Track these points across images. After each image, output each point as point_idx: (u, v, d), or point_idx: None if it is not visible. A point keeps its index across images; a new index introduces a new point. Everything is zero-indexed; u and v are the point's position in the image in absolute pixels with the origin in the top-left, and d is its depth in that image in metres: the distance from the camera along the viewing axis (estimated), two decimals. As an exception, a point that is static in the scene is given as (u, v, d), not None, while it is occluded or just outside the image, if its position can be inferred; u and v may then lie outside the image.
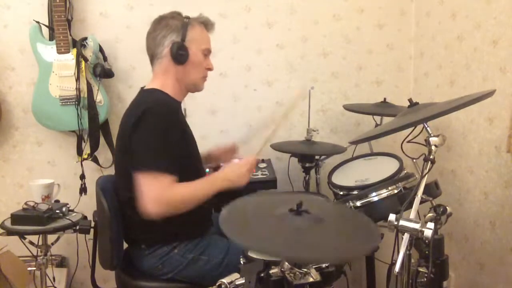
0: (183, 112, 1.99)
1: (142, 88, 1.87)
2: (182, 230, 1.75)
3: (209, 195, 1.70)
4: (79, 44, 2.34)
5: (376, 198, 1.73)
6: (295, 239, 1.16)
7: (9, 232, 1.97)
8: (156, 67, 1.83)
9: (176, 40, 1.77)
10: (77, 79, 2.34)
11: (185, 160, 1.74)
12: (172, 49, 1.76)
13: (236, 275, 1.29)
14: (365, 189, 1.78)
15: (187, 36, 1.77)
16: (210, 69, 1.87)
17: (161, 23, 1.80)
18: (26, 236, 2.00)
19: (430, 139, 1.34)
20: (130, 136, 1.67)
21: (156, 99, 1.75)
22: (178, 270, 1.74)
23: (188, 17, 1.82)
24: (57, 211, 2.04)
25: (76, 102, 2.35)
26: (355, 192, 1.82)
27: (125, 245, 1.88)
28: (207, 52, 1.85)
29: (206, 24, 1.86)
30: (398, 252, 1.25)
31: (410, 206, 1.31)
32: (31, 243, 2.03)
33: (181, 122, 1.80)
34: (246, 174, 1.78)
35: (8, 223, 1.99)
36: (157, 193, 1.61)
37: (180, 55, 1.76)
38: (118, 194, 1.83)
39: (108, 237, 1.76)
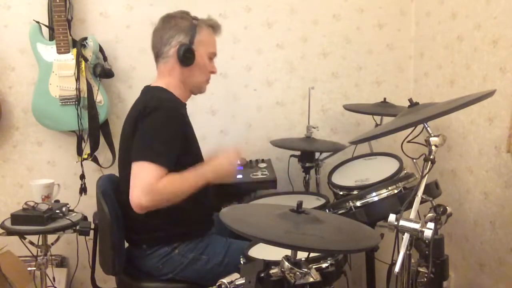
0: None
1: (146, 86, 1.87)
2: (184, 230, 1.75)
3: (197, 187, 1.66)
4: (79, 44, 2.34)
5: (376, 198, 1.73)
6: (296, 231, 1.17)
7: (9, 232, 1.97)
8: (161, 65, 1.82)
9: (183, 41, 1.76)
10: (77, 79, 2.34)
11: (186, 160, 1.72)
12: (179, 51, 1.76)
13: (236, 275, 1.29)
14: (365, 189, 1.78)
15: (195, 38, 1.77)
16: (213, 72, 1.88)
17: (170, 22, 1.79)
18: (26, 236, 2.00)
19: (430, 139, 1.34)
20: (134, 131, 1.66)
21: (163, 96, 1.76)
22: (179, 270, 1.74)
23: (196, 18, 1.81)
24: (57, 211, 2.03)
25: (76, 102, 2.35)
26: (355, 192, 1.82)
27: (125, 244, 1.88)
28: (212, 56, 1.87)
29: (214, 27, 1.86)
30: (398, 252, 1.25)
31: (410, 206, 1.31)
32: (31, 243, 2.03)
33: (185, 121, 1.80)
34: (233, 171, 1.77)
35: (8, 223, 1.99)
36: (149, 182, 1.55)
37: (186, 57, 1.76)
38: (121, 194, 1.83)
39: (109, 243, 1.75)
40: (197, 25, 1.79)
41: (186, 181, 1.64)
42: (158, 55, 1.82)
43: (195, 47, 1.78)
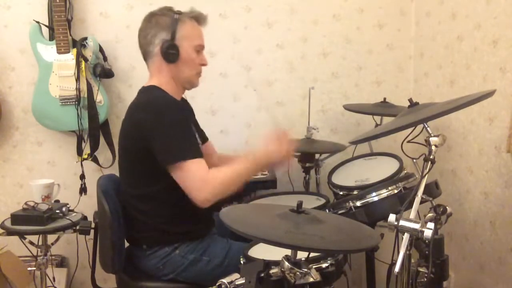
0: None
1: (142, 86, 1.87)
2: (184, 230, 1.75)
3: (252, 172, 1.72)
4: (79, 44, 2.34)
5: (376, 198, 1.73)
6: (296, 231, 1.17)
7: (9, 232, 1.97)
8: (150, 65, 1.82)
9: (166, 38, 1.74)
10: (77, 79, 2.34)
11: None
12: (162, 48, 1.74)
13: (236, 275, 1.29)
14: (365, 189, 1.78)
15: (177, 33, 1.74)
16: (203, 64, 1.84)
17: (151, 21, 1.78)
18: (26, 236, 2.00)
19: (430, 139, 1.34)
20: (143, 135, 1.66)
21: (154, 96, 1.75)
22: (179, 270, 1.74)
23: (179, 12, 1.78)
24: (57, 211, 2.03)
25: (76, 102, 2.35)
26: (355, 192, 1.82)
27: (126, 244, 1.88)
28: (199, 48, 1.82)
29: (198, 19, 1.81)
30: (398, 252, 1.25)
31: (410, 206, 1.31)
32: (31, 243, 2.03)
33: (186, 116, 1.80)
34: (285, 159, 1.78)
35: (8, 223, 1.99)
36: (200, 176, 1.61)
37: (170, 54, 1.74)
38: (122, 193, 1.83)
39: (109, 241, 1.75)
40: (178, 19, 1.75)
41: (237, 168, 1.68)
42: (145, 55, 1.82)
43: (178, 42, 1.75)
